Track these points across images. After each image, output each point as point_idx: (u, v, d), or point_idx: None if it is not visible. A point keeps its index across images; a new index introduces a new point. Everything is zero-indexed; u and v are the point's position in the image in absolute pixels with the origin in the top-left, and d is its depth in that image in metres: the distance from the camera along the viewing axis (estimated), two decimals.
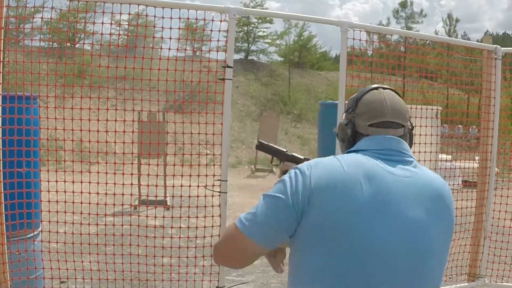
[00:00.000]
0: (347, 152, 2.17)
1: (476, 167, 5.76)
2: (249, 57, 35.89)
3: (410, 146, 2.23)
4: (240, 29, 36.35)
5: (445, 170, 6.42)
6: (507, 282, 5.76)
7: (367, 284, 1.91)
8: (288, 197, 1.97)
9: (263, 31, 37.23)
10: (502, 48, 5.63)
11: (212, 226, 4.73)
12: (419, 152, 5.46)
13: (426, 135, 5.56)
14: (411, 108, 5.74)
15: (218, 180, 4.55)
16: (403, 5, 38.42)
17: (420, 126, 5.53)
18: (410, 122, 2.26)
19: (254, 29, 36.92)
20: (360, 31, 5.11)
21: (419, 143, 5.40)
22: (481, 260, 5.52)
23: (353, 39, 5.04)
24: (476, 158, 5.69)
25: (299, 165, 2.07)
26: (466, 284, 5.53)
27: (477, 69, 6.65)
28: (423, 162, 5.36)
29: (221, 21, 4.53)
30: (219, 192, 4.54)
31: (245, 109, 26.74)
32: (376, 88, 2.24)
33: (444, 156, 6.29)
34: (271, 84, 30.68)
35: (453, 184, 6.52)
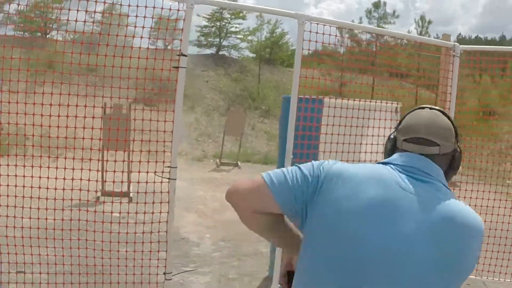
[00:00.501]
0: (378, 163, 2.22)
1: None
2: (221, 52, 35.85)
3: (451, 170, 2.24)
4: (212, 24, 36.32)
5: None
6: None
7: (353, 282, 1.94)
8: (311, 175, 2.11)
9: (236, 27, 37.24)
10: (460, 46, 5.71)
11: (160, 212, 4.84)
12: (378, 145, 5.48)
13: (385, 128, 5.64)
14: (370, 102, 5.78)
15: (168, 167, 4.60)
16: (376, 5, 38.72)
17: (379, 119, 5.61)
18: (457, 145, 2.26)
19: (227, 24, 36.89)
20: (318, 24, 5.18)
21: (378, 136, 5.47)
22: None
23: (310, 31, 5.11)
24: None
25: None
26: None
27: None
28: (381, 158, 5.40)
29: (178, 10, 4.62)
30: (168, 178, 4.60)
31: (213, 103, 26.70)
32: (423, 108, 2.29)
33: None
34: (241, 79, 30.67)
35: None
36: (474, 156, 7.13)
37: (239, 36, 37.27)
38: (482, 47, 6.29)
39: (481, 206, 6.51)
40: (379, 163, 2.20)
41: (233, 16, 36.05)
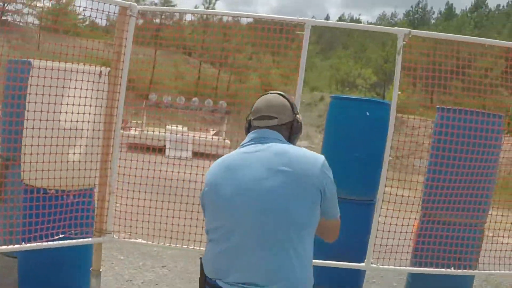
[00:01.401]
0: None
1: (209, 139, 5.77)
2: (3, 18, 33.74)
3: (294, 134, 2.89)
4: None
5: (176, 142, 6.37)
6: (136, 239, 5.78)
7: (228, 224, 2.63)
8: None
9: None
10: (138, 7, 5.49)
11: None
12: (78, 113, 5.26)
13: (87, 91, 5.33)
14: (71, 64, 5.28)
15: None
16: None
17: (75, 88, 5.24)
18: (296, 117, 2.89)
19: None
20: None
21: (79, 105, 5.26)
22: (107, 216, 5.53)
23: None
24: (211, 130, 5.71)
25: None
26: (91, 239, 5.50)
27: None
28: (86, 131, 5.38)
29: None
30: None
31: None
32: (267, 93, 2.94)
33: (176, 127, 6.31)
34: (20, 47, 28.86)
35: (181, 157, 6.63)
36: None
37: (23, 0, 35.12)
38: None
39: None
40: (241, 146, 2.83)
41: None
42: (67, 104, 5.21)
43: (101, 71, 5.43)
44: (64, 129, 5.18)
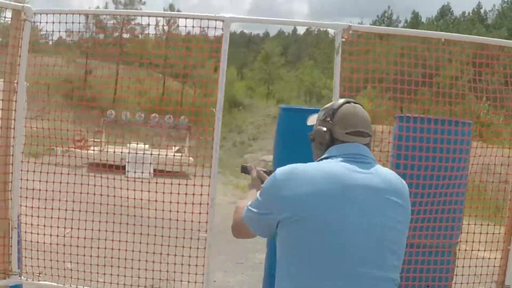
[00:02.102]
0: (320, 160, 2.59)
1: (172, 156, 5.44)
2: None
3: (371, 150, 2.66)
4: None
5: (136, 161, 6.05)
6: (44, 281, 5.19)
7: (339, 255, 2.33)
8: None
9: None
10: (33, 8, 4.96)
11: None
12: None
13: None
14: None
15: None
16: None
17: None
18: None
19: None
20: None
21: None
22: (11, 254, 4.87)
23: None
24: (174, 147, 5.39)
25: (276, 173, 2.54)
26: None
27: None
28: None
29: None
30: None
31: None
32: (348, 102, 2.67)
33: (138, 145, 6.05)
34: None
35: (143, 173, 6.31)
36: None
37: None
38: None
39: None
40: (322, 158, 2.58)
41: None
42: None
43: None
44: None
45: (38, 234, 5.21)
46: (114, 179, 5.33)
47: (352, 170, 2.44)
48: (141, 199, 5.34)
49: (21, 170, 4.95)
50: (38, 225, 5.18)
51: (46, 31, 5.11)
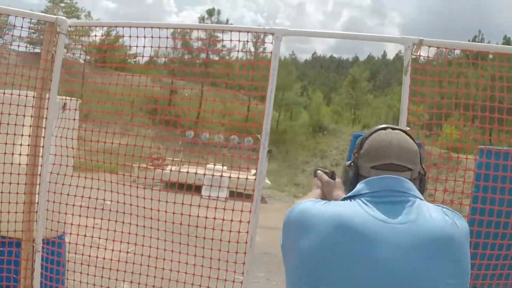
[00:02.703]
0: (344, 199, 2.06)
1: (249, 179, 5.01)
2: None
3: (422, 192, 2.10)
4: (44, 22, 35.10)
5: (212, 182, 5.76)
6: None
7: None
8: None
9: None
10: (69, 20, 4.77)
11: None
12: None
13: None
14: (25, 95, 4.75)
15: None
16: (210, 12, 38.67)
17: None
18: (422, 166, 2.15)
19: None
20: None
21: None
22: (33, 279, 4.62)
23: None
24: (252, 171, 4.91)
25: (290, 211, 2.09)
26: None
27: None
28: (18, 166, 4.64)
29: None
30: None
31: None
32: (384, 128, 2.16)
33: (216, 166, 5.81)
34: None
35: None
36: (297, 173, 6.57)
37: (74, 35, 36.23)
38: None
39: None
40: (344, 198, 2.06)
41: (68, 15, 34.92)
42: (22, 135, 4.68)
43: (65, 104, 4.95)
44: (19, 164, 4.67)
45: (98, 248, 5.00)
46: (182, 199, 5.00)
47: (378, 217, 1.89)
48: (214, 218, 4.94)
49: (84, 187, 4.79)
50: (104, 238, 4.94)
51: (136, 48, 4.93)
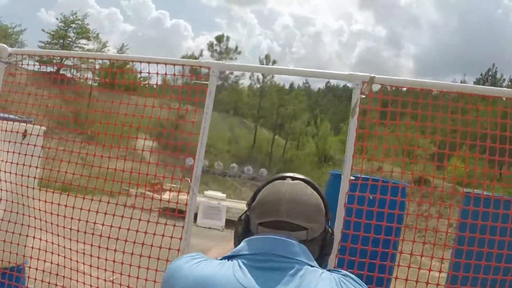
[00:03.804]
0: (224, 258, 1.75)
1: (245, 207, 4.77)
2: (61, 72, 35.22)
3: (322, 257, 1.81)
4: (56, 41, 35.51)
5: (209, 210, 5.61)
6: None
7: None
8: None
9: (80, 47, 36.64)
10: (10, 49, 4.62)
11: None
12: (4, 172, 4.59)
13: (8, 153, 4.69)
14: None
15: None
16: (218, 39, 38.74)
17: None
18: (326, 224, 1.83)
19: (71, 43, 36.18)
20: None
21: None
22: None
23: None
24: None
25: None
26: None
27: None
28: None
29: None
30: None
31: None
32: (283, 178, 1.86)
33: (215, 193, 5.63)
34: (73, 101, 29.66)
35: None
36: None
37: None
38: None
39: None
40: (224, 257, 1.75)
41: (77, 36, 35.30)
42: None
43: (26, 130, 4.80)
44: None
45: (84, 274, 4.80)
46: (174, 225, 4.74)
47: (246, 286, 1.60)
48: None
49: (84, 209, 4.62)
50: (87, 264, 4.74)
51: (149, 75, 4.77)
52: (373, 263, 3.49)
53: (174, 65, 4.29)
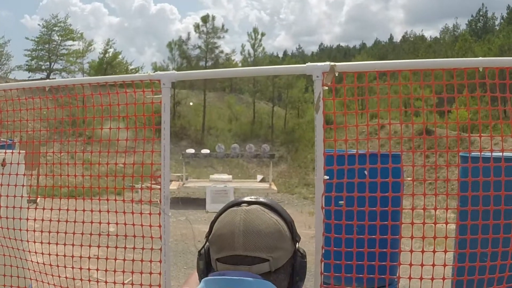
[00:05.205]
0: None
1: (254, 186, 4.72)
2: (52, 76, 35.36)
3: (293, 280, 1.61)
4: (41, 47, 35.46)
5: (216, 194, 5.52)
6: None
7: None
8: None
9: (66, 49, 36.53)
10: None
11: None
12: None
13: None
14: None
15: None
16: (204, 19, 38.12)
17: None
18: (295, 243, 1.64)
19: (57, 46, 36.07)
20: None
21: None
22: None
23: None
24: (258, 177, 4.62)
25: None
26: None
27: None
28: None
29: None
30: None
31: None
32: (238, 204, 1.65)
33: (220, 176, 5.52)
34: (68, 104, 29.50)
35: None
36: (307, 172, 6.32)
37: (71, 58, 36.46)
38: None
39: None
40: None
41: (62, 38, 35.24)
42: None
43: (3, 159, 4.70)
44: None
45: (98, 282, 4.72)
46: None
47: None
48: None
49: (87, 210, 4.55)
50: (101, 270, 4.66)
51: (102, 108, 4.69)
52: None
53: (124, 82, 4.19)
